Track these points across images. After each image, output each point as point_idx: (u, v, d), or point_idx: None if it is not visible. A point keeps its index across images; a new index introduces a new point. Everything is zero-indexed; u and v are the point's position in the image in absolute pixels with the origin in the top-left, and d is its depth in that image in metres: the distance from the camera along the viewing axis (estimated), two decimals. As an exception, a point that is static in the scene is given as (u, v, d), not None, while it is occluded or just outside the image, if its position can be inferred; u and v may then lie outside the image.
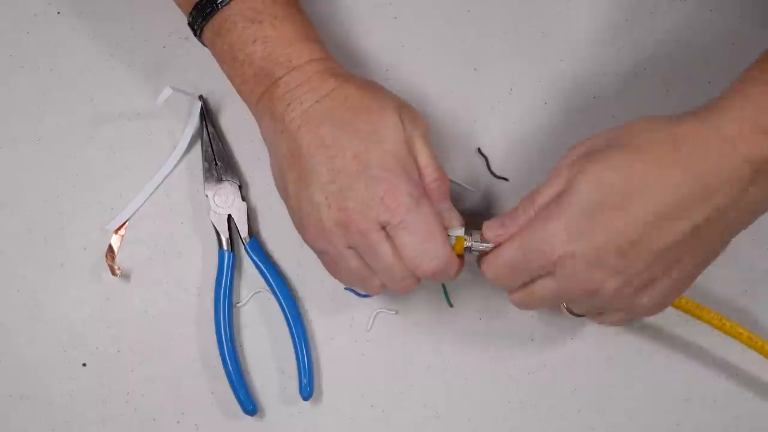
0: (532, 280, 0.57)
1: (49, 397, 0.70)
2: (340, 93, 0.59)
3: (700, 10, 0.72)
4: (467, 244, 0.60)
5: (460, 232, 0.60)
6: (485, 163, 0.71)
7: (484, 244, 0.59)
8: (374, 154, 0.58)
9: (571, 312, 0.60)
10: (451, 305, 0.70)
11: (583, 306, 0.58)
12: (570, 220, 0.54)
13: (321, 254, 0.62)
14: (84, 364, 0.70)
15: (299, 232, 0.62)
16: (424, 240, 0.57)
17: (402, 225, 0.57)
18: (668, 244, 0.53)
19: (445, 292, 0.70)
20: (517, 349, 0.70)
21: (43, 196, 0.72)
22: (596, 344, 0.69)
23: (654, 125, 0.54)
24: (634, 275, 0.54)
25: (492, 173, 0.71)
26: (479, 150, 0.71)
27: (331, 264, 0.61)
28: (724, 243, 0.56)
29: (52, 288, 0.71)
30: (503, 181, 0.71)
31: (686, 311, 0.65)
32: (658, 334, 0.69)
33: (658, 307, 0.58)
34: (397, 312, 0.70)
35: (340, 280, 0.63)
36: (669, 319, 0.69)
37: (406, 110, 0.60)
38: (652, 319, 0.69)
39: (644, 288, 0.55)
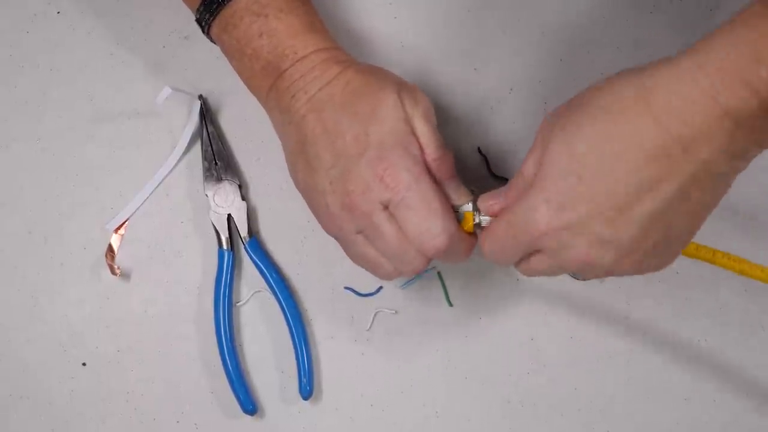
0: (529, 255, 0.56)
1: (49, 397, 0.70)
2: (341, 79, 0.59)
3: (699, 9, 0.72)
4: (476, 220, 0.59)
5: (467, 208, 0.59)
6: (485, 163, 0.71)
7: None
8: (373, 134, 0.57)
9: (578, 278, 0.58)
10: (450, 304, 0.70)
11: (588, 275, 0.56)
12: (549, 193, 0.52)
13: (337, 240, 0.61)
14: (84, 364, 0.70)
15: (318, 222, 0.62)
16: (425, 217, 0.57)
17: (403, 203, 0.56)
18: (657, 207, 0.50)
19: (445, 292, 0.70)
20: (517, 349, 0.70)
21: (42, 196, 0.72)
22: (596, 344, 0.69)
23: (625, 81, 0.51)
24: (629, 244, 0.52)
25: (492, 173, 0.71)
26: (479, 150, 0.71)
27: (347, 250, 0.61)
28: (720, 192, 0.52)
29: (52, 287, 0.71)
30: (503, 181, 0.71)
31: (697, 257, 0.61)
32: (658, 334, 0.70)
33: (663, 264, 0.55)
34: (397, 312, 0.70)
35: (360, 266, 0.62)
36: (669, 317, 0.70)
37: (406, 89, 0.60)
38: (652, 319, 0.70)
39: (644, 256, 0.53)
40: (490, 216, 0.58)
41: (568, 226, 0.52)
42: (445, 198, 0.58)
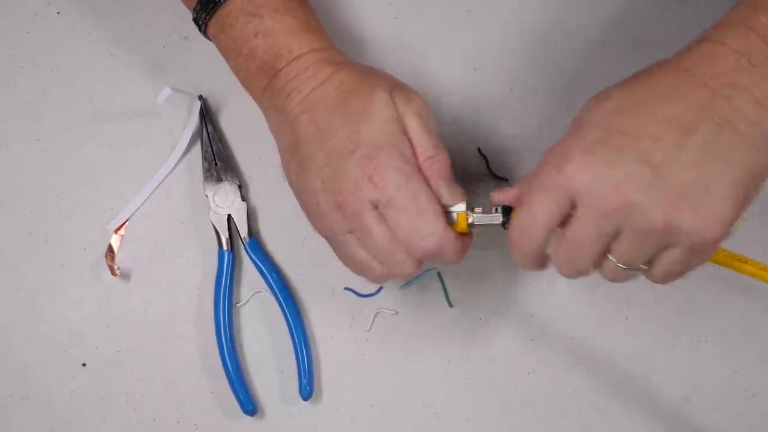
0: (561, 225, 0.54)
1: (49, 397, 0.70)
2: (335, 79, 0.59)
3: (699, 10, 0.72)
4: (470, 219, 0.58)
5: (461, 207, 0.58)
6: (485, 163, 0.71)
7: (490, 216, 0.58)
8: (364, 133, 0.57)
9: (620, 265, 0.54)
10: (451, 305, 0.70)
11: (628, 244, 0.53)
12: (584, 131, 0.53)
13: (328, 241, 0.61)
14: (84, 364, 0.70)
15: (309, 222, 0.61)
16: (414, 218, 0.56)
17: (392, 203, 0.56)
18: (693, 141, 0.51)
19: (445, 292, 0.70)
20: (517, 349, 0.70)
21: (42, 196, 0.72)
22: (596, 344, 0.69)
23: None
24: (665, 177, 0.50)
25: (492, 173, 0.71)
26: (479, 150, 0.71)
27: (337, 251, 0.61)
28: (756, 146, 0.52)
29: (52, 288, 0.71)
30: (503, 181, 0.71)
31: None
32: (658, 334, 0.69)
33: (703, 224, 0.51)
34: (397, 312, 0.70)
35: (349, 268, 0.61)
36: (669, 317, 0.70)
37: (399, 88, 0.60)
38: (652, 319, 0.69)
39: (685, 197, 0.50)
40: (508, 201, 0.57)
41: (604, 156, 0.51)
42: (435, 199, 0.57)
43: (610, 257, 0.54)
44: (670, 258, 0.53)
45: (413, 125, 0.59)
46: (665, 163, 0.50)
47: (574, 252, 0.54)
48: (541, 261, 0.56)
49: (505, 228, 0.58)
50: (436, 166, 0.58)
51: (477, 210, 0.58)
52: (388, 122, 0.58)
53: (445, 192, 0.58)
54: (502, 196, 0.57)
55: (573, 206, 0.53)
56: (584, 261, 0.54)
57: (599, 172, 0.51)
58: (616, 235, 0.53)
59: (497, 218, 0.58)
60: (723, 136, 0.51)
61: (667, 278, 0.55)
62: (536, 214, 0.54)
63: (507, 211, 0.58)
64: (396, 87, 0.60)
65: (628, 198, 0.51)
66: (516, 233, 0.55)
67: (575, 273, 0.56)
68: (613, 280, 0.56)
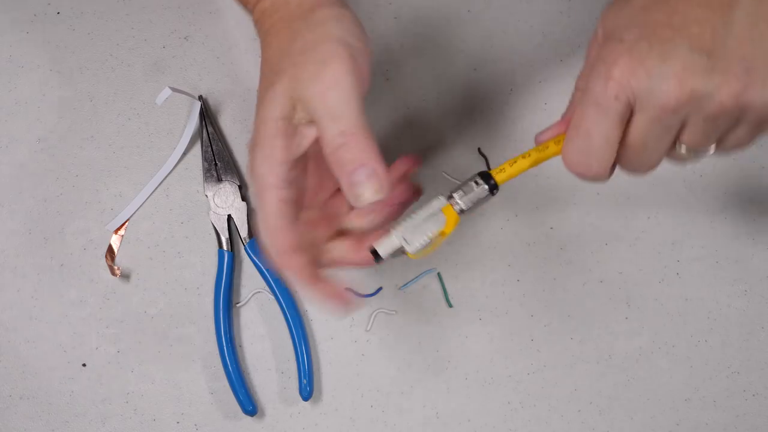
0: (623, 131, 0.50)
1: (49, 397, 0.70)
2: (265, 50, 0.56)
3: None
4: (456, 207, 0.54)
5: (442, 202, 0.54)
6: (485, 163, 0.71)
7: (476, 192, 0.54)
8: (255, 128, 0.54)
9: (691, 149, 0.51)
10: (451, 305, 0.70)
11: (697, 132, 0.50)
12: (623, 33, 0.49)
13: None
14: (84, 364, 0.70)
15: None
16: (263, 228, 0.53)
17: (257, 201, 0.54)
18: (739, 16, 0.47)
19: (445, 292, 0.70)
20: (517, 349, 0.70)
21: (43, 196, 0.72)
22: (596, 344, 0.70)
23: None
24: (721, 56, 0.47)
25: (492, 173, 0.71)
26: (479, 150, 0.71)
27: None
28: None
29: (52, 288, 0.71)
30: (503, 181, 0.71)
31: None
32: (658, 334, 0.70)
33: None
34: (397, 312, 0.70)
35: None
36: (669, 317, 0.70)
37: (306, 66, 0.52)
38: (652, 318, 0.70)
39: (747, 72, 0.48)
40: (556, 134, 0.53)
41: (653, 52, 0.48)
42: (289, 218, 0.53)
43: (679, 146, 0.51)
44: (739, 134, 0.51)
45: (315, 109, 0.51)
46: (719, 43, 0.47)
47: (642, 155, 0.51)
48: (606, 176, 0.52)
49: (494, 194, 0.54)
50: (347, 156, 0.51)
51: (457, 194, 0.54)
52: (269, 121, 0.52)
53: (361, 187, 0.51)
54: (548, 133, 0.54)
55: (632, 112, 0.49)
56: (653, 160, 0.52)
57: (653, 68, 0.48)
58: (683, 125, 0.50)
59: (483, 191, 0.54)
60: (764, 5, 0.48)
61: (734, 151, 0.53)
62: (592, 134, 0.50)
63: (486, 177, 0.54)
64: (303, 64, 0.52)
65: (691, 87, 0.48)
66: (573, 161, 0.51)
67: (645, 171, 0.53)
68: (681, 164, 0.54)
